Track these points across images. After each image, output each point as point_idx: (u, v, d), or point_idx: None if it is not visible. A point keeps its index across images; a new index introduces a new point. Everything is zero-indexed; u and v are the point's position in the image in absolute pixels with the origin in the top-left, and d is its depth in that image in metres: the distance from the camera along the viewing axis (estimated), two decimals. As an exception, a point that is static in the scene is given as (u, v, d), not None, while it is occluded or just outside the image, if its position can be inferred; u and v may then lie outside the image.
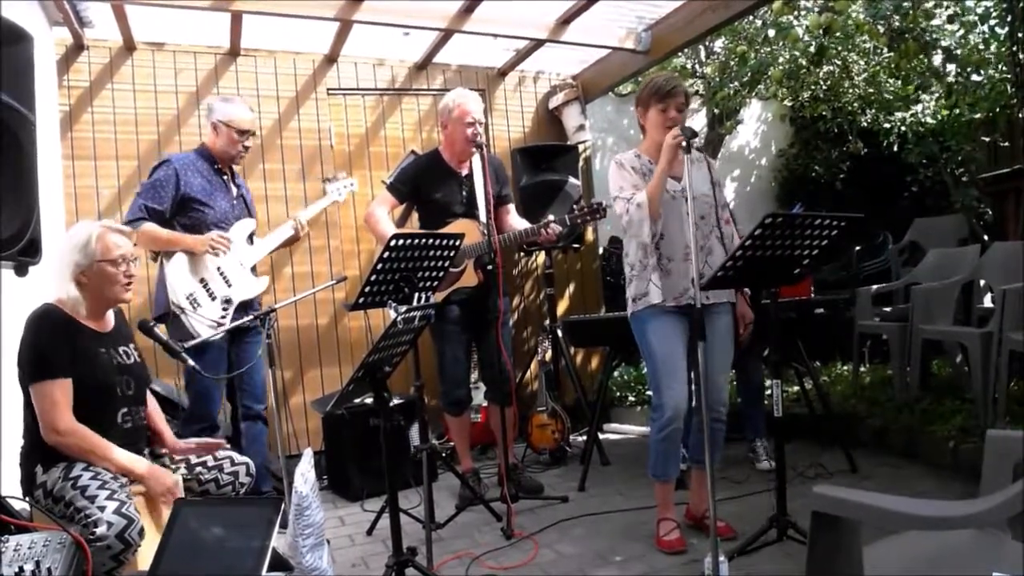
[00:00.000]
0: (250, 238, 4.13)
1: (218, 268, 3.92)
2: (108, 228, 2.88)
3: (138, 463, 2.75)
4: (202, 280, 3.88)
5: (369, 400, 4.44)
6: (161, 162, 4.00)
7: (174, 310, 3.78)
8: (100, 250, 2.80)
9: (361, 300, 3.36)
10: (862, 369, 5.61)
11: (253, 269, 4.12)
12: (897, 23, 6.13)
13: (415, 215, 4.54)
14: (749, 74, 6.57)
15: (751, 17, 6.36)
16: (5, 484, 2.70)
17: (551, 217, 4.13)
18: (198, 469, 3.01)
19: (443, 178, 4.26)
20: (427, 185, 4.28)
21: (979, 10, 6.11)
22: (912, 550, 1.84)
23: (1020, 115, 6.05)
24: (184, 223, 3.91)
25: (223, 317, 3.88)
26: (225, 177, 4.10)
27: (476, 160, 4.13)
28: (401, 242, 3.27)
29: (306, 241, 5.40)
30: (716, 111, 7.22)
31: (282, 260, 5.36)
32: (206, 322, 3.77)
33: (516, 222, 4.34)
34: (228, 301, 3.92)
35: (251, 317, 3.76)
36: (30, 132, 2.49)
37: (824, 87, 7.25)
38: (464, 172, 4.25)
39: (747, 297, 3.62)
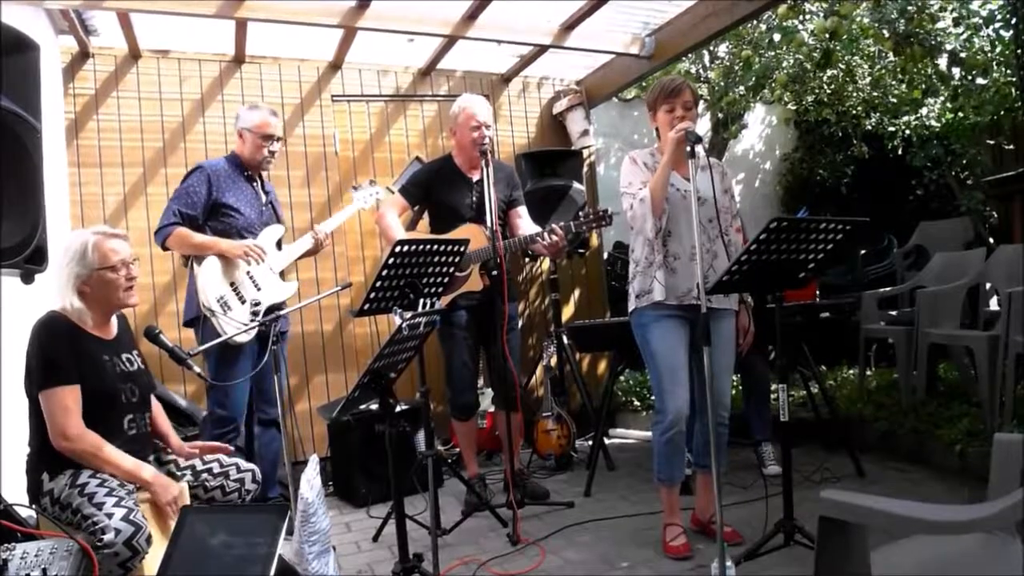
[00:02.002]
0: (278, 244, 4.16)
1: (247, 272, 3.94)
2: (103, 235, 2.87)
3: (144, 470, 2.76)
4: (232, 284, 3.89)
5: (375, 406, 4.45)
6: (194, 168, 4.03)
7: (204, 312, 3.80)
8: (98, 258, 2.80)
9: (366, 306, 3.36)
10: (868, 373, 5.60)
11: (281, 274, 4.14)
12: (902, 27, 6.13)
13: (424, 220, 4.55)
14: (754, 78, 6.58)
15: (755, 21, 6.37)
16: (9, 491, 2.71)
17: (552, 226, 4.10)
18: (204, 476, 3.01)
19: (454, 183, 4.28)
20: (438, 189, 4.29)
21: (984, 13, 6.11)
22: (919, 554, 1.84)
23: (1025, 117, 6.06)
24: (215, 228, 3.93)
25: (252, 320, 3.88)
26: (255, 184, 4.13)
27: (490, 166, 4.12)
28: (406, 248, 3.27)
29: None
30: (720, 115, 7.22)
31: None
32: (235, 325, 3.78)
33: (526, 226, 4.33)
34: (258, 304, 3.94)
35: (267, 319, 3.75)
36: (36, 140, 2.50)
37: (828, 91, 7.25)
38: (475, 178, 4.26)
39: (749, 308, 3.62)
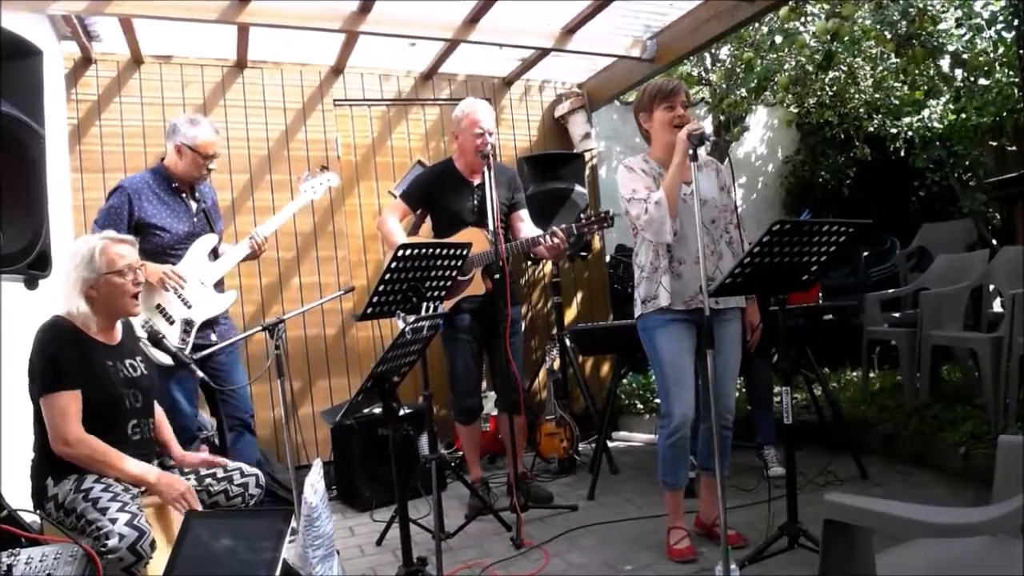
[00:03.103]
0: (213, 253, 4.03)
1: (175, 291, 3.83)
2: (110, 240, 2.88)
3: (149, 472, 2.76)
4: (158, 306, 3.79)
5: (378, 410, 4.45)
6: (114, 189, 3.91)
7: None
8: (105, 263, 2.81)
9: (369, 310, 3.37)
10: (871, 375, 5.59)
11: (218, 284, 4.03)
12: (904, 28, 6.12)
13: (426, 224, 4.56)
14: (755, 81, 6.57)
15: (757, 24, 6.37)
16: (13, 497, 2.71)
17: (554, 228, 4.08)
18: (208, 481, 3.01)
19: (455, 187, 4.29)
20: (439, 193, 4.30)
21: (986, 14, 6.11)
22: (924, 557, 1.83)
23: (1027, 119, 6.04)
24: (142, 248, 3.71)
25: (184, 340, 3.81)
26: (184, 195, 3.98)
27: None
28: (408, 252, 3.28)
29: (313, 251, 5.45)
30: (722, 118, 7.22)
31: (290, 271, 5.38)
32: (171, 347, 3.70)
33: (527, 229, 4.33)
34: (189, 323, 3.84)
35: (270, 324, 3.72)
36: (40, 146, 2.51)
37: (830, 93, 7.25)
38: (476, 181, 4.26)
39: (755, 303, 3.60)
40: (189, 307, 3.86)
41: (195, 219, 4.00)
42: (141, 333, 3.63)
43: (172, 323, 3.81)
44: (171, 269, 3.80)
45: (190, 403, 3.91)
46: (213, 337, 3.93)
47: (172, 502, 2.73)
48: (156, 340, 3.04)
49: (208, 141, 3.91)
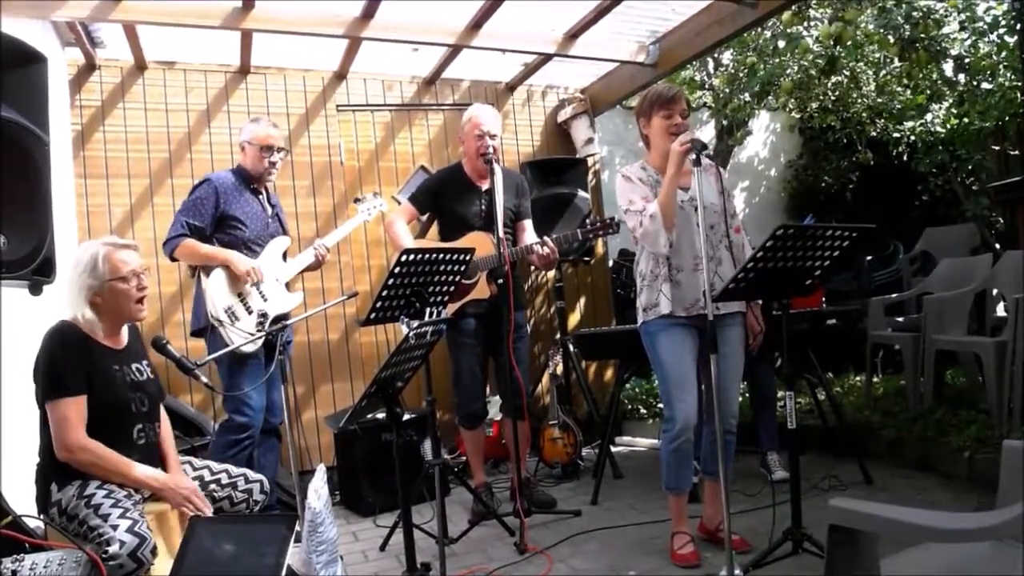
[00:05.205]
0: (284, 255, 4.23)
1: (254, 284, 4.01)
2: (113, 246, 2.88)
3: (155, 475, 2.77)
4: (240, 295, 3.96)
5: (382, 415, 4.44)
6: (202, 181, 4.09)
7: (213, 323, 3.85)
8: (109, 270, 2.81)
9: (373, 315, 3.37)
10: (875, 380, 5.58)
11: (287, 285, 4.21)
12: (907, 32, 6.13)
13: (434, 228, 4.57)
14: (758, 85, 6.58)
15: (760, 28, 6.37)
16: (18, 501, 2.71)
17: (545, 238, 4.07)
18: (212, 486, 3.01)
19: (463, 191, 4.30)
20: (447, 197, 4.31)
21: (988, 18, 6.11)
22: (929, 562, 1.83)
23: (1030, 123, 6.04)
24: (222, 240, 3.99)
25: (259, 331, 3.94)
26: (261, 196, 4.19)
27: (498, 174, 4.13)
28: (412, 257, 3.28)
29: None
30: (725, 122, 7.22)
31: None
32: (243, 335, 3.83)
33: (529, 240, 4.33)
34: (264, 315, 4.01)
35: (274, 329, 3.77)
36: (44, 152, 2.52)
37: (833, 97, 7.26)
38: (484, 186, 4.27)
39: (757, 307, 3.60)
40: (265, 300, 4.04)
41: (270, 220, 4.20)
42: (223, 318, 3.82)
43: (251, 313, 3.98)
44: (255, 263, 3.98)
45: (260, 404, 4.00)
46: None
47: (179, 506, 2.74)
48: (159, 345, 3.03)
49: (263, 132, 4.10)
